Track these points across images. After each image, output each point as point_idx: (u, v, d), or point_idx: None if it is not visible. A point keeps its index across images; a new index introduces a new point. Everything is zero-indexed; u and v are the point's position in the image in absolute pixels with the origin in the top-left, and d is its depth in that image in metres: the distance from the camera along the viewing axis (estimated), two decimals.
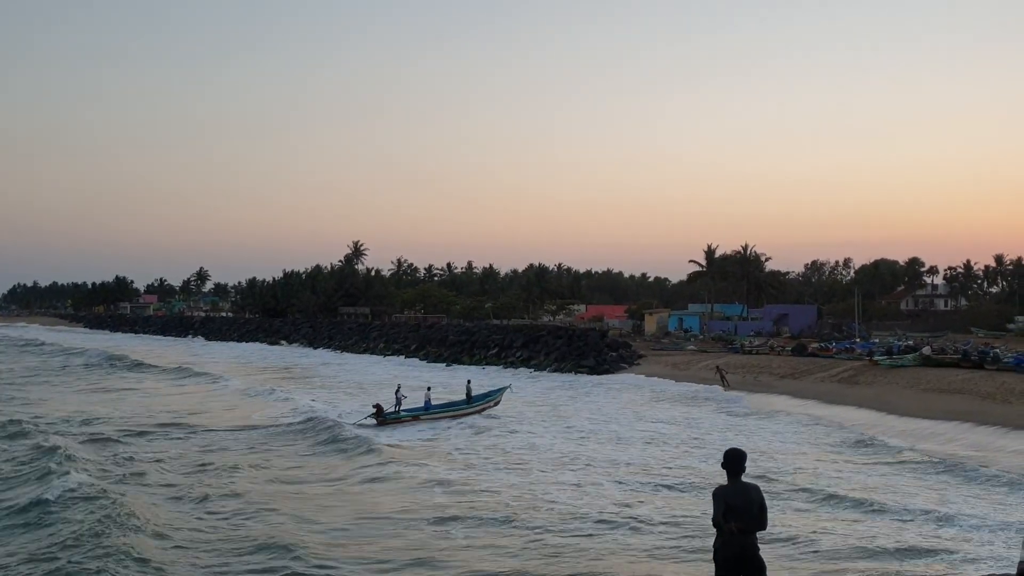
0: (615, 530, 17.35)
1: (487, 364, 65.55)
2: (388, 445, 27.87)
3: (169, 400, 42.56)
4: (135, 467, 24.07)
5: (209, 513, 18.66)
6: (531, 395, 45.08)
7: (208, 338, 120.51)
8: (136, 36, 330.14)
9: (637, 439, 30.27)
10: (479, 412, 35.98)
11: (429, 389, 37.89)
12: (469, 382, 40.07)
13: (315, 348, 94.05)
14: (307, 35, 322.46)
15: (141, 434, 30.46)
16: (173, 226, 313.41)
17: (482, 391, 39.10)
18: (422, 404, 35.94)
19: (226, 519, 18.13)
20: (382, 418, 33.06)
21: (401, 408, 34.61)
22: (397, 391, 35.87)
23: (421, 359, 72.32)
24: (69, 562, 14.45)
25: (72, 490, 19.43)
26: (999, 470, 23.78)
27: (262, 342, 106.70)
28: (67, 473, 21.38)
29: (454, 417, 35.01)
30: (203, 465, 24.32)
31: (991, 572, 11.81)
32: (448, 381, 50.52)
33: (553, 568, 14.65)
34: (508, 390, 39.52)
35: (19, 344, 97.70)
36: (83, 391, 47.42)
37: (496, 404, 37.23)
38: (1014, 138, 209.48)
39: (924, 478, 23.39)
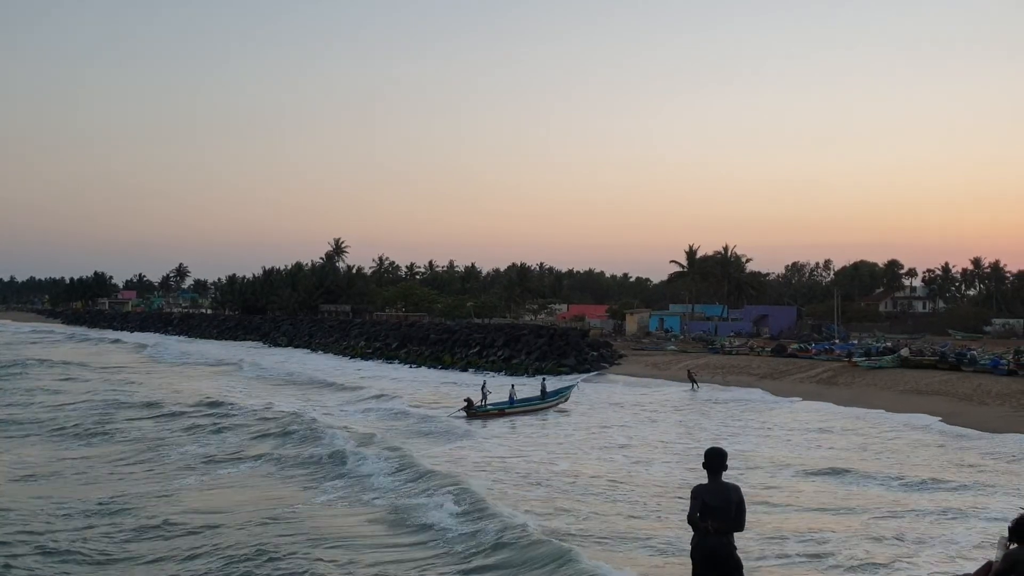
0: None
1: (469, 367, 65.07)
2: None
3: None
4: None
5: None
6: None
7: (189, 335, 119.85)
8: (119, 32, 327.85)
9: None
10: (553, 407, 39.17)
11: (513, 387, 40.60)
12: (544, 379, 44.29)
13: (295, 348, 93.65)
14: (292, 35, 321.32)
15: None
16: (153, 221, 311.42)
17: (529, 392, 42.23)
18: (507, 399, 38.68)
19: None
20: (472, 411, 36.25)
21: (488, 403, 37.85)
22: (483, 386, 39.75)
23: (402, 362, 71.47)
24: None
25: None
26: None
27: (239, 340, 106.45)
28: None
29: (532, 411, 38.09)
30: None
31: (965, 572, 11.86)
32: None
33: None
34: (575, 388, 42.34)
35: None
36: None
37: (566, 400, 40.10)
38: (992, 142, 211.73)
39: None
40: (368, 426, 32.04)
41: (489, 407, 37.44)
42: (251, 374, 58.39)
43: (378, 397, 42.60)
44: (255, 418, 32.80)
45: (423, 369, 65.75)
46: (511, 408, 37.97)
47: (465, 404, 36.61)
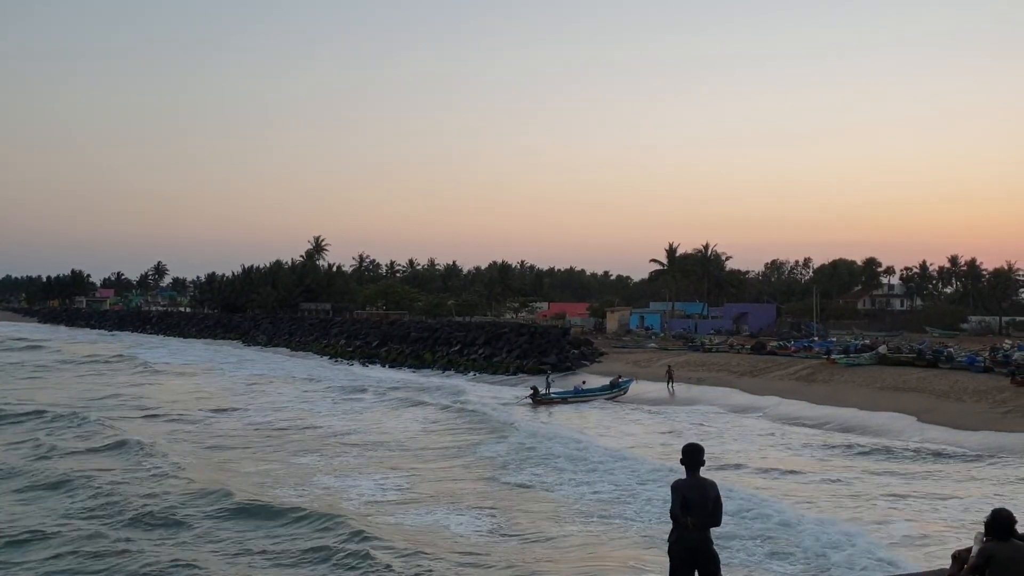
0: None
1: (450, 365, 64.95)
2: None
3: None
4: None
5: None
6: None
7: (167, 334, 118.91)
8: (100, 29, 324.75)
9: None
10: (613, 398, 43.19)
11: (584, 382, 45.79)
12: (619, 377, 46.21)
13: (275, 347, 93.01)
14: (273, 31, 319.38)
15: None
16: (131, 219, 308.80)
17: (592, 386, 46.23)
18: (571, 389, 43.89)
19: None
20: (537, 398, 41.08)
21: (551, 391, 42.65)
22: (547, 376, 45.88)
23: (383, 361, 70.96)
24: None
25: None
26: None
27: (219, 339, 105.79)
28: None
29: (589, 400, 42.11)
30: None
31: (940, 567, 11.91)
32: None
33: None
34: (632, 382, 45.41)
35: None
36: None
37: (625, 392, 43.91)
38: (969, 142, 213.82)
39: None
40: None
41: (553, 395, 42.23)
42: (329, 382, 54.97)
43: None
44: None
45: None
46: (573, 397, 42.45)
47: (531, 392, 41.66)
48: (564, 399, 42.16)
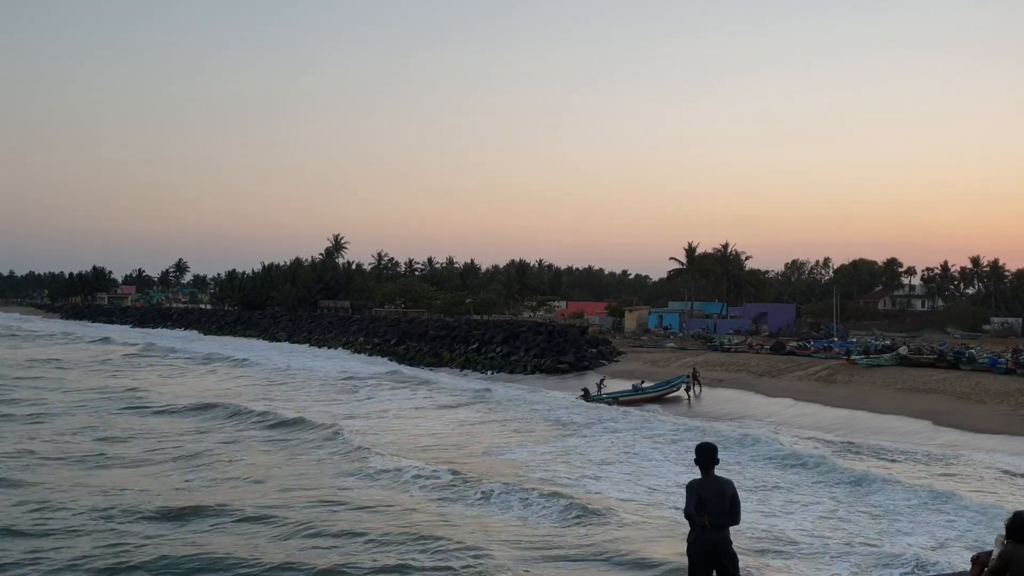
0: None
1: (467, 364, 65.11)
2: None
3: None
4: None
5: None
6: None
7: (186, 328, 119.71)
8: (119, 25, 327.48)
9: None
10: (664, 395, 43.51)
11: (642, 382, 45.38)
12: (684, 376, 45.74)
13: (293, 343, 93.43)
14: (293, 30, 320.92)
15: None
16: (152, 216, 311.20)
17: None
18: (629, 387, 44.35)
19: None
20: (588, 399, 41.53)
21: (603, 392, 43.09)
22: (601, 381, 45.69)
23: (400, 359, 70.83)
24: None
25: None
26: None
27: (239, 335, 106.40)
28: None
29: (641, 402, 41.87)
30: None
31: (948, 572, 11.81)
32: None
33: None
34: (683, 378, 45.23)
35: None
36: None
37: (679, 389, 44.11)
38: (991, 141, 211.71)
39: None
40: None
41: (604, 396, 42.38)
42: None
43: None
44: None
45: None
46: (625, 397, 42.52)
47: (582, 393, 42.45)
48: (616, 399, 41.55)
